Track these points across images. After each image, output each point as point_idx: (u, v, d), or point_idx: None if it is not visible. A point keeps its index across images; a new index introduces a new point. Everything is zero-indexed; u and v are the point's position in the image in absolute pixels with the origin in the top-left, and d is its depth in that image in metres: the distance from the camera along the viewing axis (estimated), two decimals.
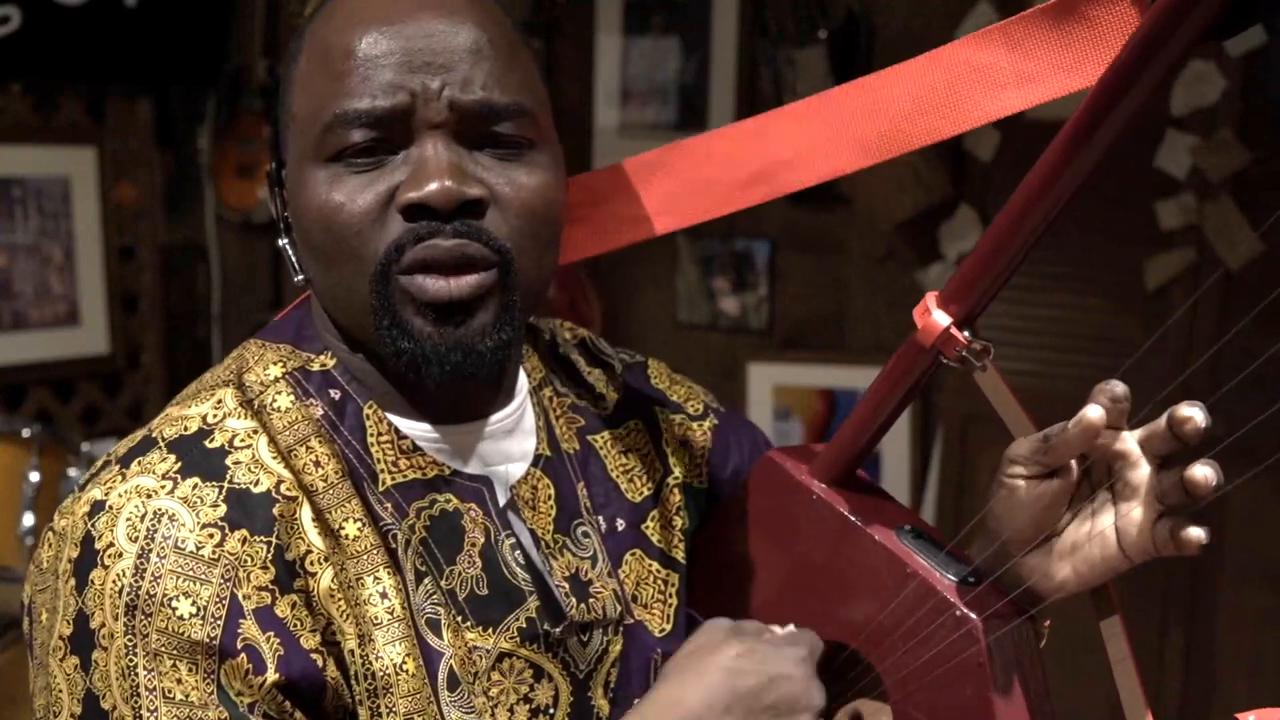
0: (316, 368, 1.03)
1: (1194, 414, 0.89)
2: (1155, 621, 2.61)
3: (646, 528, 1.16)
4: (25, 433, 2.50)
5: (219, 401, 0.99)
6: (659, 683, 1.00)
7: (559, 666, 1.03)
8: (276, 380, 1.01)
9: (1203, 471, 0.88)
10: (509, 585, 1.02)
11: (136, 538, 0.90)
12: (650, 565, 1.14)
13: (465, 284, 0.95)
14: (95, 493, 0.93)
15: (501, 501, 1.05)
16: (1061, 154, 0.90)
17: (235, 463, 0.95)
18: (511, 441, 1.08)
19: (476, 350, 0.96)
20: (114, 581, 0.89)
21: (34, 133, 3.27)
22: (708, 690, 0.97)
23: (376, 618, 0.95)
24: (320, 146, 0.96)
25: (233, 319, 3.80)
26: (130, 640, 0.88)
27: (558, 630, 1.03)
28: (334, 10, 1.00)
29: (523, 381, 1.11)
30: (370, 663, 0.95)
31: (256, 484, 0.94)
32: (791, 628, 1.05)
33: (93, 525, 0.91)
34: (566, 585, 1.05)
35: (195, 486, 0.92)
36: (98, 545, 0.90)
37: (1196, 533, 0.91)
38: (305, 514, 0.95)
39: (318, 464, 0.98)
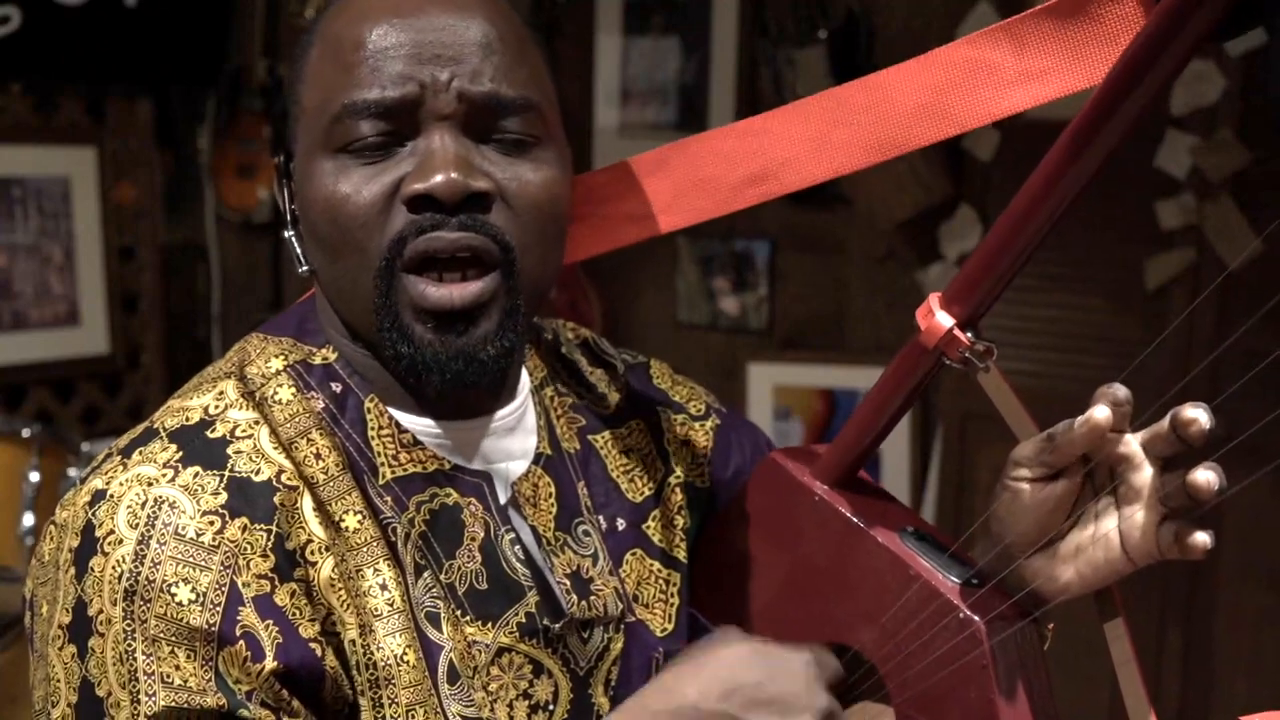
0: (318, 361, 1.03)
1: (1198, 416, 0.89)
2: (1154, 621, 2.61)
3: (648, 527, 1.15)
4: (25, 433, 2.50)
5: (221, 393, 0.99)
6: (661, 673, 1.00)
7: (559, 663, 1.03)
8: (278, 373, 1.01)
9: (1205, 476, 0.88)
10: (509, 580, 1.02)
11: (137, 524, 0.90)
12: (651, 565, 1.14)
13: (468, 293, 0.95)
14: (96, 482, 0.93)
15: (503, 499, 1.05)
16: (1065, 155, 0.90)
17: (236, 452, 0.95)
18: (513, 439, 1.08)
19: (478, 359, 0.97)
20: (114, 568, 0.89)
21: (34, 133, 3.27)
22: (707, 679, 0.97)
23: (377, 609, 0.95)
24: (329, 137, 0.97)
25: (233, 319, 3.80)
26: (129, 625, 0.88)
27: (557, 626, 1.02)
28: (346, 4, 1.00)
29: (525, 380, 1.11)
30: (372, 653, 0.95)
31: (257, 473, 0.94)
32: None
33: (93, 514, 0.91)
34: (568, 582, 1.05)
35: (196, 474, 0.92)
36: (98, 533, 0.90)
37: (1202, 538, 0.91)
38: (306, 503, 0.95)
39: (318, 456, 0.98)
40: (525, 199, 0.98)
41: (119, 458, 0.95)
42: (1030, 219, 0.94)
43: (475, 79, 0.96)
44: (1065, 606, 1.02)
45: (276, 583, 0.92)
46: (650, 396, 1.24)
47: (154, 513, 0.90)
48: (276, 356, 1.03)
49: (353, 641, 0.94)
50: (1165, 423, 0.91)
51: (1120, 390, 0.94)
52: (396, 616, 0.96)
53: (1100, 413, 0.92)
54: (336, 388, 1.02)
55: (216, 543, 0.90)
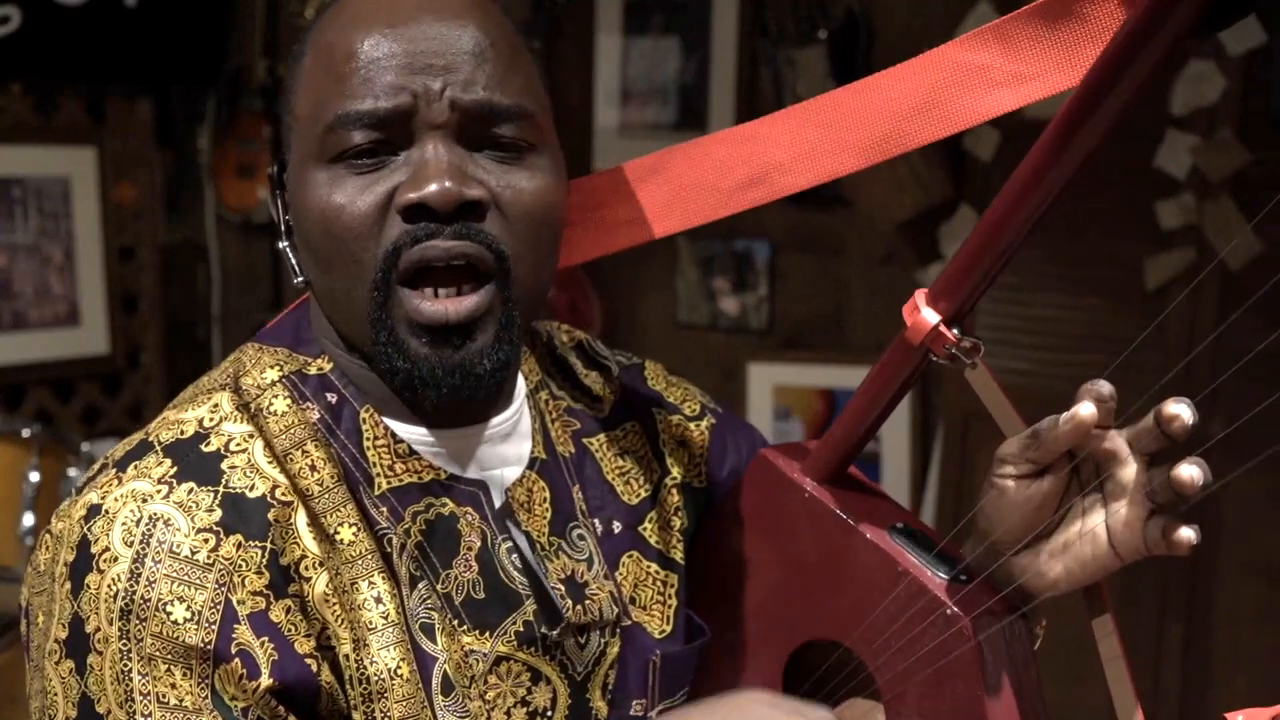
0: (313, 371, 1.03)
1: (1181, 411, 0.89)
2: (1153, 617, 2.61)
3: (644, 529, 1.15)
4: (25, 433, 2.50)
5: (215, 405, 0.99)
6: (671, 712, 0.99)
7: (556, 669, 1.03)
8: (273, 384, 1.01)
9: (1189, 471, 0.88)
10: (506, 589, 1.02)
11: (132, 542, 0.90)
12: (648, 567, 1.14)
13: (464, 307, 0.95)
14: (91, 497, 0.93)
15: (497, 504, 1.05)
16: (1048, 151, 0.90)
17: (231, 467, 0.95)
18: (508, 445, 1.07)
19: (475, 373, 0.97)
20: (109, 586, 0.89)
21: (34, 133, 3.27)
22: (720, 718, 0.96)
23: (371, 622, 0.95)
24: (322, 148, 0.96)
25: (233, 319, 3.81)
26: (125, 645, 0.88)
27: (554, 633, 1.02)
28: (337, 13, 1.00)
29: (521, 385, 1.11)
30: (365, 667, 0.95)
31: (252, 489, 0.94)
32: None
33: (88, 529, 0.91)
34: (562, 587, 1.05)
35: (191, 491, 0.92)
36: (93, 549, 0.90)
37: (1187, 533, 0.91)
38: (300, 519, 0.95)
39: (313, 468, 0.98)
40: (519, 207, 0.98)
41: (114, 470, 0.95)
42: (1014, 216, 0.94)
43: (468, 88, 0.96)
44: (1056, 603, 1.02)
45: (271, 599, 0.92)
46: (645, 398, 1.23)
47: (149, 530, 0.90)
48: (272, 367, 1.03)
49: (347, 656, 0.94)
50: (1150, 418, 0.91)
51: (1104, 386, 0.94)
52: (391, 630, 0.96)
53: (1085, 409, 0.92)
54: (332, 398, 1.02)
55: (211, 560, 0.90)
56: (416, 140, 0.96)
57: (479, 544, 1.02)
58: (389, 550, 0.98)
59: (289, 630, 0.92)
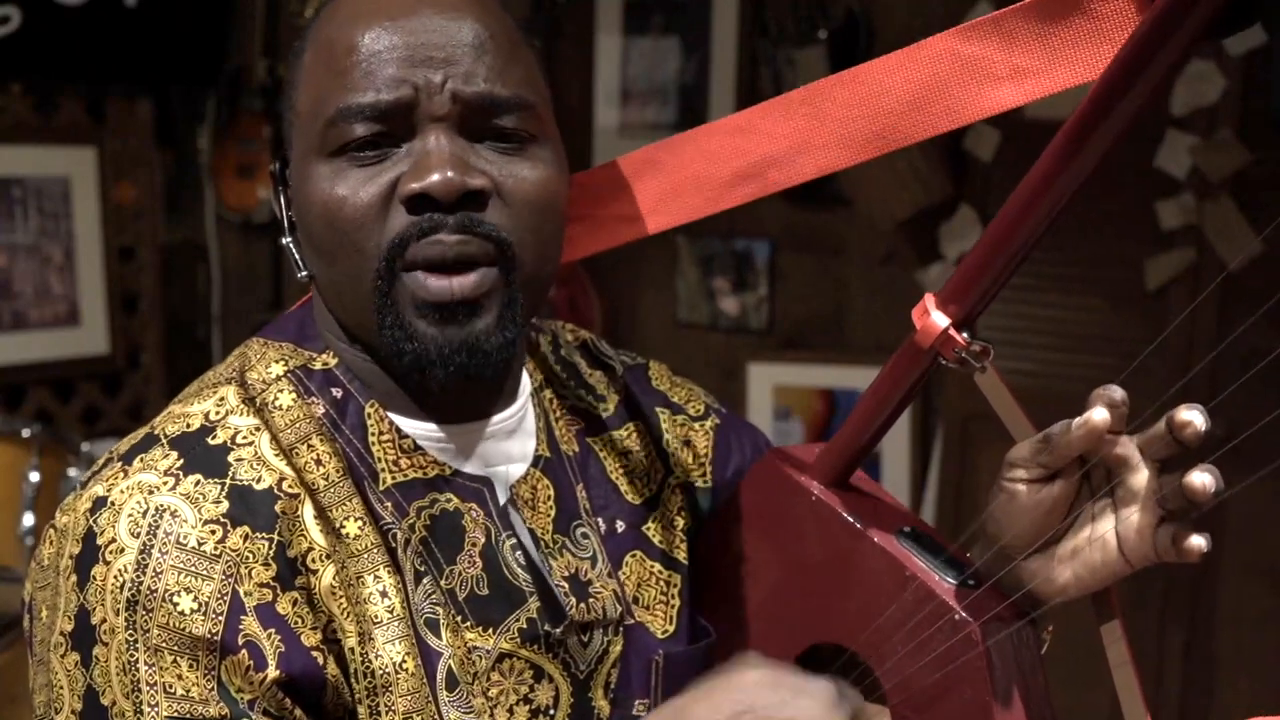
0: (318, 366, 1.03)
1: (1193, 418, 0.88)
2: (1155, 620, 2.61)
3: (648, 529, 1.15)
4: (25, 433, 2.50)
5: (221, 399, 0.99)
6: (675, 697, 0.98)
7: (559, 667, 1.03)
8: (278, 378, 1.01)
9: (1201, 479, 0.87)
10: (510, 586, 1.02)
11: (138, 533, 0.90)
12: (652, 566, 1.14)
13: (467, 282, 0.95)
14: (97, 489, 0.93)
15: (502, 500, 1.05)
16: (1061, 153, 0.90)
17: (238, 459, 0.95)
18: (513, 442, 1.07)
19: (481, 350, 0.97)
20: (115, 577, 0.89)
21: (34, 133, 3.27)
22: (719, 699, 0.94)
23: (376, 616, 0.95)
24: (324, 141, 0.97)
25: (233, 319, 3.80)
26: (131, 636, 0.88)
27: (558, 631, 1.02)
28: (337, 8, 1.00)
29: (525, 382, 1.11)
30: (370, 661, 0.95)
31: (259, 481, 0.94)
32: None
33: (95, 521, 0.91)
34: (566, 585, 1.05)
35: (197, 483, 0.92)
36: (99, 541, 0.90)
37: (1198, 541, 0.90)
38: (307, 511, 0.95)
39: (319, 462, 0.98)
40: (521, 196, 0.98)
41: (119, 464, 0.95)
42: (1026, 219, 0.93)
43: (469, 80, 0.96)
44: (1064, 609, 1.01)
45: (278, 591, 0.92)
46: (649, 398, 1.23)
47: (155, 521, 0.90)
48: (277, 362, 1.03)
49: (352, 649, 0.94)
50: (1161, 424, 0.90)
51: (1117, 391, 0.93)
52: (396, 624, 0.96)
53: (1098, 414, 0.92)
54: (337, 393, 1.02)
55: (218, 552, 0.90)
56: (418, 132, 0.96)
57: (483, 540, 1.02)
58: (394, 545, 0.98)
59: (296, 622, 0.92)
